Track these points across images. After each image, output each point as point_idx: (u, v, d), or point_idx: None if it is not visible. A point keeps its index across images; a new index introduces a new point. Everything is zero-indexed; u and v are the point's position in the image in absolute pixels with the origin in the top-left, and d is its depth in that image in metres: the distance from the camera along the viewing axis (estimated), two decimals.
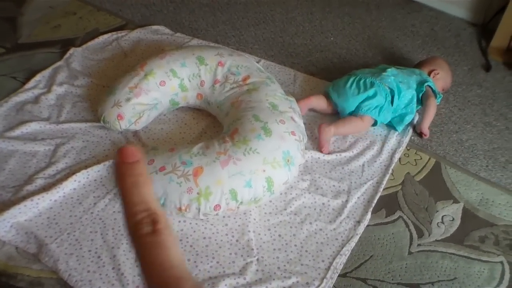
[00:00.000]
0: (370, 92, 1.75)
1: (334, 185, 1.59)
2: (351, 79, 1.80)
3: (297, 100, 1.73)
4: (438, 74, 1.93)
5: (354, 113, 1.77)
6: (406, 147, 1.77)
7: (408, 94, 1.82)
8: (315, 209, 1.52)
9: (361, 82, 1.78)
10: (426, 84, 1.84)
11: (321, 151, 1.69)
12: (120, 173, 0.39)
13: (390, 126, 1.82)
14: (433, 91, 1.87)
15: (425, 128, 1.82)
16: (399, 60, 2.17)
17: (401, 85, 1.81)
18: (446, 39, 2.42)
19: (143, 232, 0.37)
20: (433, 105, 1.84)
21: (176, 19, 2.31)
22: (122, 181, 0.38)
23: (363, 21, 2.45)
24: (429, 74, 1.93)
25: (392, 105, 1.78)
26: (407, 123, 1.80)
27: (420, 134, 1.84)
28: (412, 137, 1.83)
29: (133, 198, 0.38)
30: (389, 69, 1.85)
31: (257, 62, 1.97)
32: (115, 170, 0.39)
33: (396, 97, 1.78)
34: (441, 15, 2.58)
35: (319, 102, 1.82)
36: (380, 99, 1.75)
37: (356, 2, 2.59)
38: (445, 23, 2.54)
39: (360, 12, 2.51)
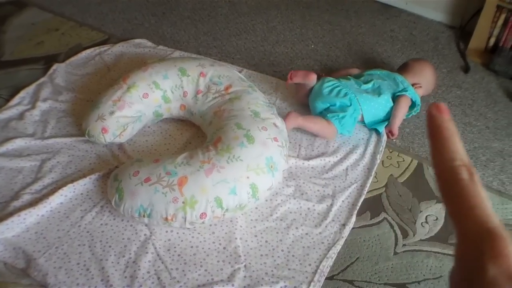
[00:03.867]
0: (337, 100, 1.79)
1: (318, 190, 1.61)
2: (331, 83, 1.83)
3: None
4: (420, 87, 1.96)
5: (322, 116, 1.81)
6: (389, 149, 1.80)
7: (385, 106, 1.85)
8: (300, 214, 1.54)
9: (336, 89, 1.81)
10: (402, 94, 1.87)
11: None
12: (435, 124, 0.39)
13: (372, 129, 1.86)
14: (412, 101, 1.89)
15: (395, 127, 1.83)
16: (380, 65, 2.20)
17: (382, 100, 1.84)
18: (425, 42, 2.46)
19: (462, 176, 0.37)
20: (404, 103, 1.85)
21: (158, 32, 2.33)
22: (438, 131, 0.39)
23: (343, 28, 2.49)
24: (412, 85, 1.95)
25: (357, 120, 1.82)
26: (385, 125, 1.84)
27: (388, 134, 1.84)
28: (394, 140, 1.86)
29: (452, 145, 0.38)
30: (371, 83, 1.88)
31: (239, 72, 2.00)
32: (428, 120, 0.39)
33: (371, 113, 1.82)
34: (420, 20, 2.63)
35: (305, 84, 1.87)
36: (347, 112, 1.78)
37: (336, 9, 2.63)
38: (423, 27, 2.58)
39: (339, 19, 2.55)
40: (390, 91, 1.87)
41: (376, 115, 1.84)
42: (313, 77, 1.83)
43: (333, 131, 1.78)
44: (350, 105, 1.79)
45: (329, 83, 1.83)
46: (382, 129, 1.83)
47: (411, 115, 1.93)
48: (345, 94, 1.80)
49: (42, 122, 1.77)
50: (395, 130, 1.82)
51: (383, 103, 1.84)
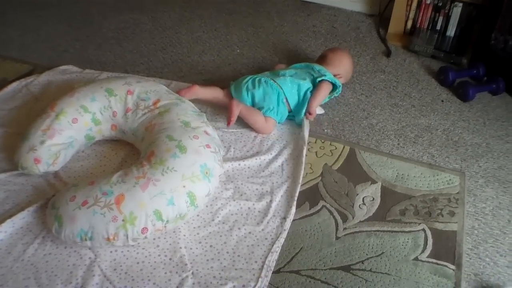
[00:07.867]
0: (260, 90, 1.87)
1: (257, 189, 1.65)
2: (248, 78, 1.92)
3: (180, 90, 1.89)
4: (340, 78, 2.04)
5: None
6: (321, 140, 1.86)
7: (305, 87, 1.93)
8: (241, 214, 1.57)
9: (256, 80, 1.90)
10: (320, 79, 1.94)
11: (227, 124, 1.83)
12: None
13: (291, 119, 1.94)
14: (333, 84, 1.97)
15: (313, 107, 1.90)
16: (305, 61, 2.26)
17: (300, 82, 1.92)
18: (347, 33, 2.55)
19: None
20: (324, 87, 1.93)
21: (83, 56, 2.33)
22: None
23: (266, 29, 2.55)
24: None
25: (287, 104, 1.90)
26: (303, 113, 1.90)
27: (306, 115, 1.91)
28: (326, 130, 1.93)
29: None
30: (287, 71, 1.96)
31: (168, 85, 2.02)
32: None
33: (294, 95, 1.90)
34: (340, 12, 2.72)
35: (210, 92, 1.95)
36: (273, 99, 1.86)
37: (258, 12, 2.69)
38: (344, 19, 2.67)
39: (262, 21, 2.61)
40: (308, 76, 1.96)
41: (299, 97, 1.92)
42: (196, 88, 1.91)
43: (270, 126, 1.86)
44: (271, 91, 1.86)
45: (246, 79, 1.92)
46: (300, 118, 1.90)
47: (333, 96, 2.02)
48: (265, 81, 1.89)
49: None
50: (312, 110, 1.89)
51: (302, 84, 1.92)
